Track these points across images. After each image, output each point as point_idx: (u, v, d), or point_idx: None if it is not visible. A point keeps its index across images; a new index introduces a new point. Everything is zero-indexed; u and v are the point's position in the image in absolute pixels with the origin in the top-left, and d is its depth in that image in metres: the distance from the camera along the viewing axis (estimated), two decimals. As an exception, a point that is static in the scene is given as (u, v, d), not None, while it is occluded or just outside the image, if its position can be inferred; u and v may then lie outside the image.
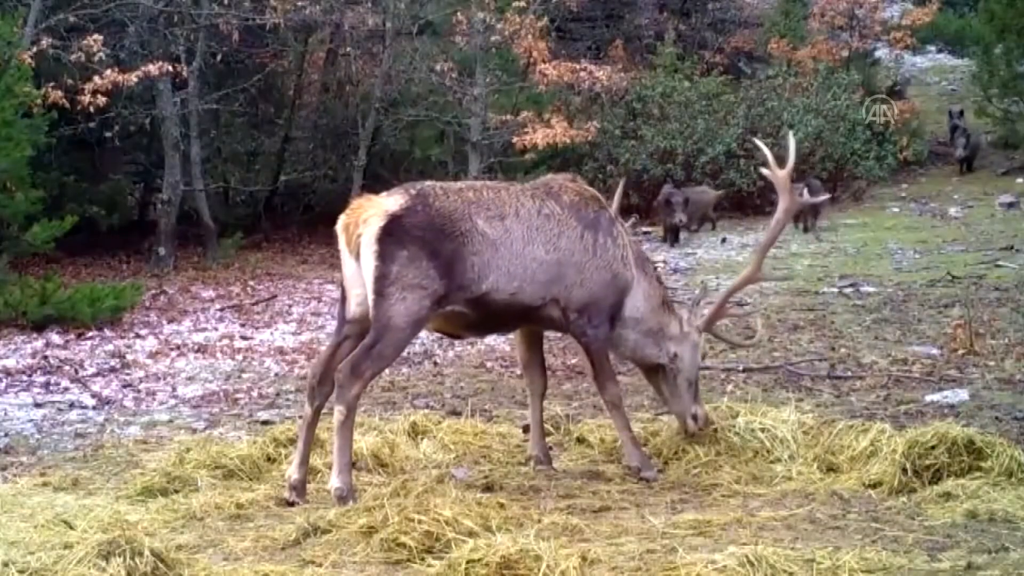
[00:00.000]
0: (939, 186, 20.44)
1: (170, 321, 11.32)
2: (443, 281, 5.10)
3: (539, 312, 5.40)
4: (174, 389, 8.22)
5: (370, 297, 5.11)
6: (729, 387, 7.38)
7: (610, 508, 5.04)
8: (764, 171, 6.01)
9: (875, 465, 5.31)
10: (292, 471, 5.32)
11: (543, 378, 5.83)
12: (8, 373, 8.71)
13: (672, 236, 15.55)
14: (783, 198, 5.86)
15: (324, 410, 5.38)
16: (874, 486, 5.19)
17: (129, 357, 9.35)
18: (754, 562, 4.01)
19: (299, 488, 5.28)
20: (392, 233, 5.05)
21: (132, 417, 7.39)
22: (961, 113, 21.84)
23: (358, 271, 5.18)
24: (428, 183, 5.36)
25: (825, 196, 13.23)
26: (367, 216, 5.13)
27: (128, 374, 8.78)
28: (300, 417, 5.69)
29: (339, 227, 5.29)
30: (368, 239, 5.09)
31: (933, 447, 5.19)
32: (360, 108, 17.92)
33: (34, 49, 12.90)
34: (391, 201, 5.15)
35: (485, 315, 5.33)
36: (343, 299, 5.36)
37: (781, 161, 5.91)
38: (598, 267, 5.44)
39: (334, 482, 5.12)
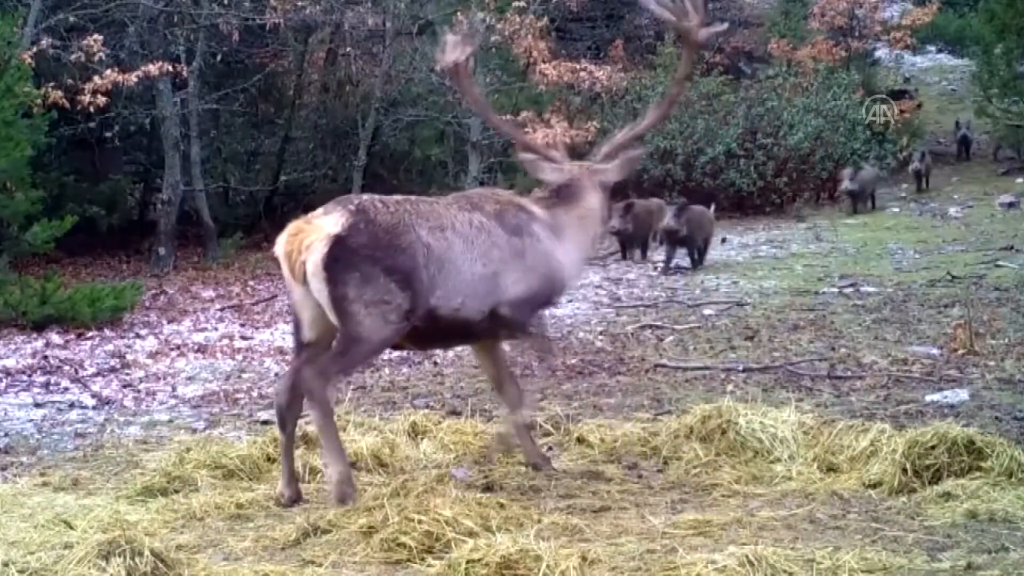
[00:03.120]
0: (939, 186, 20.48)
1: (170, 321, 11.32)
2: (406, 294, 4.94)
3: (479, 325, 5.27)
4: (174, 389, 8.21)
5: (334, 319, 4.94)
6: (729, 387, 7.38)
7: (610, 508, 5.04)
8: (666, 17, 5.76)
9: (875, 465, 5.30)
10: (283, 488, 5.24)
11: (518, 390, 5.72)
12: (8, 373, 8.71)
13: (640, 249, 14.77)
14: (688, 48, 5.76)
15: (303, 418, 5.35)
16: (874, 486, 5.19)
17: (129, 357, 9.35)
18: (754, 562, 4.01)
19: (296, 499, 5.23)
20: (339, 257, 4.83)
21: (132, 417, 7.38)
22: (969, 124, 21.94)
23: (306, 295, 4.98)
24: (365, 197, 5.14)
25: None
26: (309, 241, 4.88)
27: (128, 374, 8.78)
28: (275, 440, 5.68)
29: (280, 253, 5.03)
30: (314, 267, 4.86)
31: (933, 447, 5.19)
32: (360, 108, 17.93)
33: (34, 49, 12.91)
34: (331, 221, 4.89)
35: (432, 329, 5.18)
36: (296, 324, 5.18)
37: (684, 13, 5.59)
38: (532, 267, 5.32)
39: (331, 475, 5.04)
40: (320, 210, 5.06)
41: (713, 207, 14.35)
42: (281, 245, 5.04)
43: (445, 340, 5.80)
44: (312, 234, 4.90)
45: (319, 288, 4.89)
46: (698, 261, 13.49)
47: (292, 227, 5.03)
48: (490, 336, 5.50)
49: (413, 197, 5.47)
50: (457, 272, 5.11)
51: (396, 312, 4.95)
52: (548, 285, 5.47)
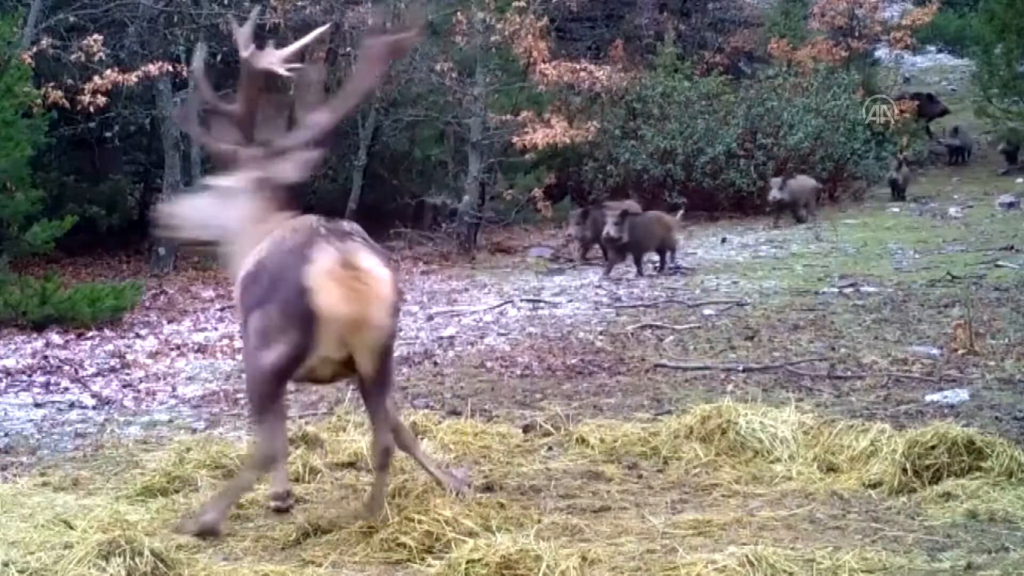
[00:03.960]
0: (939, 186, 20.48)
1: (170, 321, 11.32)
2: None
3: None
4: (174, 389, 8.21)
5: (381, 359, 4.76)
6: (729, 387, 7.38)
7: (610, 508, 5.04)
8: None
9: (875, 465, 5.31)
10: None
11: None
12: (8, 373, 8.70)
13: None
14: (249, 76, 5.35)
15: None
16: (874, 486, 5.19)
17: (129, 357, 9.35)
18: (754, 562, 4.01)
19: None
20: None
21: (132, 417, 7.38)
22: (956, 131, 22.06)
23: (340, 347, 4.64)
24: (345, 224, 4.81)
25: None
26: (378, 291, 4.56)
27: (128, 374, 8.78)
28: None
29: (346, 317, 4.49)
30: (385, 313, 4.60)
31: (933, 447, 5.19)
32: (360, 108, 17.91)
33: (34, 49, 12.89)
34: (376, 261, 4.58)
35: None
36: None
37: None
38: None
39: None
40: (331, 248, 4.48)
41: (680, 213, 14.22)
42: (347, 307, 4.43)
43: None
44: (377, 283, 4.51)
45: (376, 338, 4.57)
46: (663, 266, 13.36)
47: (346, 283, 4.43)
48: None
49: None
50: None
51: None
52: None
